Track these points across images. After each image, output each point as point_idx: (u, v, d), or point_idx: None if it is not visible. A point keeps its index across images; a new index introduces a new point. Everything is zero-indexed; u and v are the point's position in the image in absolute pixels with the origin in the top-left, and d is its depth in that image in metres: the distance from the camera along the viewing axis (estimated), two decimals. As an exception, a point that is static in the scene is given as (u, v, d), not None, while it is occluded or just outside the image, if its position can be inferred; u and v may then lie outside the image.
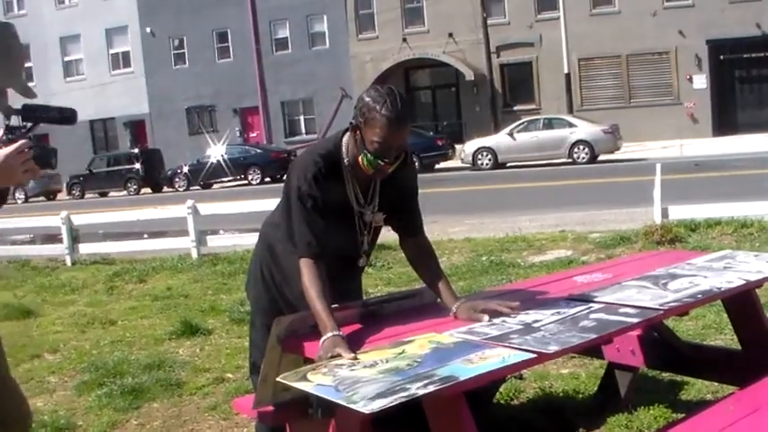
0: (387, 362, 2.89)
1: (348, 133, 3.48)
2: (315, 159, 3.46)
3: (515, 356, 2.88)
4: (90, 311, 9.22)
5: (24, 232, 19.23)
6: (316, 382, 2.78)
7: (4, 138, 2.93)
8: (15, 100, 3.08)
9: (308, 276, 3.30)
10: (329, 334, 3.08)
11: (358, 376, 2.77)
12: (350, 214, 3.56)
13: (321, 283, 3.27)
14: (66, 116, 3.13)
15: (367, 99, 3.33)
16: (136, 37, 46.88)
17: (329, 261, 3.38)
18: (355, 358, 2.93)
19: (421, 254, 3.67)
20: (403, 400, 2.53)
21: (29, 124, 3.04)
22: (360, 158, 3.39)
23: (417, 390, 2.60)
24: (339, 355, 2.96)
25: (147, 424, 5.35)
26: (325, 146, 3.54)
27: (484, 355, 2.91)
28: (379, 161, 3.34)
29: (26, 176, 2.95)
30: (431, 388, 2.62)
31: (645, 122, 35.01)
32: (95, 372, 6.48)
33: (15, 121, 3.03)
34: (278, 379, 2.97)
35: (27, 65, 48.11)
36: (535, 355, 2.90)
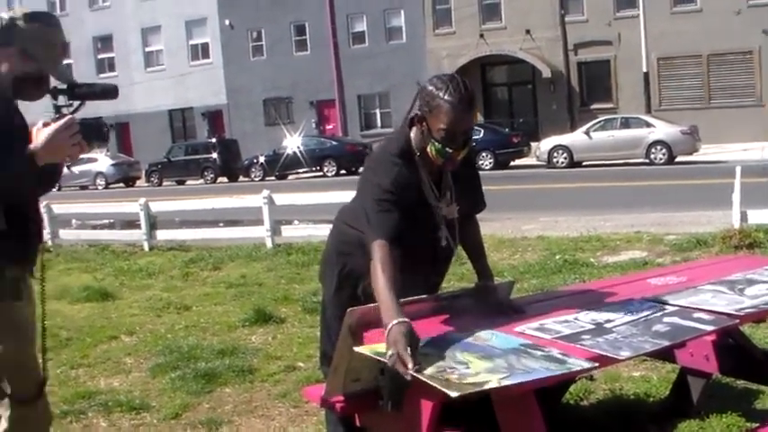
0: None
1: (414, 127, 3.48)
2: (393, 161, 3.44)
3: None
4: (166, 296, 9.40)
5: (104, 217, 19.64)
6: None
7: (53, 116, 3.13)
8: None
9: (379, 259, 3.22)
10: (394, 321, 2.99)
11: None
12: (427, 211, 3.53)
13: (392, 267, 3.19)
14: (107, 90, 3.33)
15: (430, 87, 3.34)
16: (215, 29, 47.39)
17: (412, 262, 3.36)
18: (417, 363, 2.86)
19: (474, 231, 3.80)
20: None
21: (76, 103, 3.23)
22: (428, 149, 3.39)
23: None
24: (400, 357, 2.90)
25: (218, 408, 5.44)
26: (398, 145, 3.52)
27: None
28: (447, 149, 3.33)
29: (75, 150, 3.16)
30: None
31: (725, 124, 34.28)
32: (170, 355, 6.61)
33: (62, 100, 3.21)
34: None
35: (109, 55, 49.44)
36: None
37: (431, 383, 2.77)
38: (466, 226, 3.73)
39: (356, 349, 3.12)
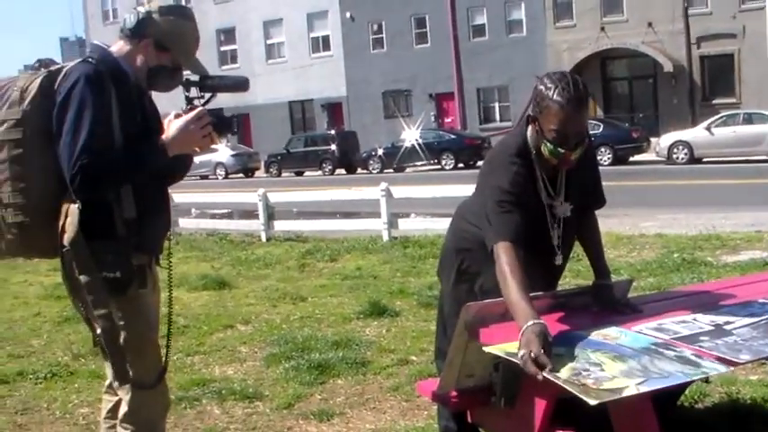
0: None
1: (530, 125, 3.46)
2: (511, 160, 3.44)
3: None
4: (282, 287, 9.54)
5: (223, 207, 20.05)
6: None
7: (185, 108, 3.21)
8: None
9: (506, 261, 3.18)
10: (529, 323, 2.94)
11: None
12: (540, 209, 3.52)
13: (521, 269, 3.15)
14: (239, 83, 3.40)
15: (540, 87, 3.32)
16: (336, 21, 47.88)
17: (526, 260, 3.28)
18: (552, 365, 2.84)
19: (592, 227, 3.74)
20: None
21: (207, 95, 3.31)
22: (542, 148, 3.38)
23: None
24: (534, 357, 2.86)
25: (330, 399, 5.50)
26: (516, 142, 3.51)
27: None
28: (560, 150, 3.31)
29: (205, 142, 3.23)
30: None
31: None
32: (284, 345, 6.71)
33: (194, 92, 3.29)
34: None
35: (231, 47, 50.42)
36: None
37: (567, 388, 2.75)
38: (584, 222, 3.71)
39: (486, 348, 3.10)
